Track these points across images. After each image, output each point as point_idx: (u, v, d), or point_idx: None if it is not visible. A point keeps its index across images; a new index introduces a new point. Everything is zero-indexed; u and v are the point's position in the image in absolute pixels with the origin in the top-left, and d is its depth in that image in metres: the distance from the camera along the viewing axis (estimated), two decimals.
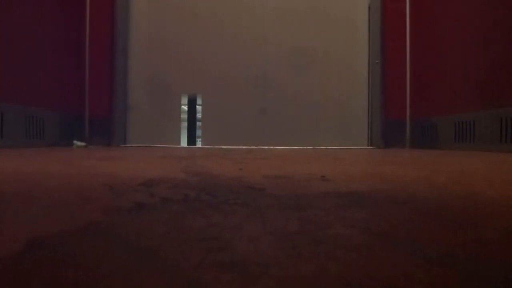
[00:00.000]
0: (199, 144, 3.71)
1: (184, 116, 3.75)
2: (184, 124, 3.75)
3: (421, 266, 0.31)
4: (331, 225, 0.44)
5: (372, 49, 3.72)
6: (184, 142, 3.71)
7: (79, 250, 0.34)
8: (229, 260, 0.31)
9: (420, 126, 3.48)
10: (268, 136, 3.70)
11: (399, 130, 3.66)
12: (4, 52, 2.49)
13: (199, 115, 3.75)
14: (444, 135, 3.09)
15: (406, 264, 0.31)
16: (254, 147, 3.57)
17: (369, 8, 3.73)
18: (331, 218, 0.47)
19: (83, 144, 3.30)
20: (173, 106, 3.71)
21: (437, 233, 0.42)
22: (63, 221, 0.45)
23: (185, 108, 3.78)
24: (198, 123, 3.75)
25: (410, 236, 0.40)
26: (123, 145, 3.59)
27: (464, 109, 2.85)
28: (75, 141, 3.29)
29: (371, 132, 3.71)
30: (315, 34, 3.74)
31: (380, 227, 0.44)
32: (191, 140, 3.73)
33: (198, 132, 3.73)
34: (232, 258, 0.32)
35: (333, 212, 0.51)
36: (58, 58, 3.16)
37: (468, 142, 2.77)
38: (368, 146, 3.73)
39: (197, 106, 3.82)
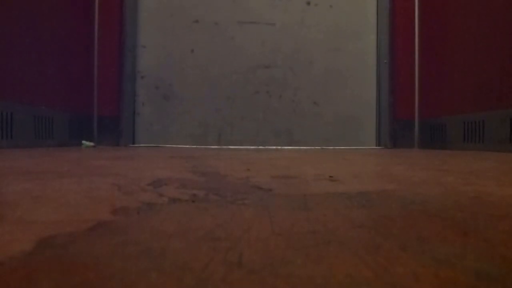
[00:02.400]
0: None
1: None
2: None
3: (430, 267, 0.31)
4: (340, 226, 0.44)
5: (380, 48, 3.71)
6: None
7: (88, 250, 0.34)
8: (237, 260, 0.32)
9: (428, 126, 3.47)
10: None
11: (408, 130, 3.64)
12: (13, 52, 2.51)
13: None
14: (453, 135, 3.07)
15: (415, 265, 0.31)
16: (261, 147, 3.58)
17: (377, 7, 3.72)
18: (339, 219, 0.47)
19: (91, 144, 3.32)
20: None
21: (446, 233, 0.41)
22: (72, 221, 0.46)
23: None
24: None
25: (419, 236, 0.40)
26: (131, 145, 3.61)
27: (473, 109, 2.83)
28: (83, 141, 3.31)
29: (379, 132, 3.70)
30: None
31: (388, 227, 0.44)
32: None
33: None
34: (240, 258, 0.32)
35: (342, 213, 0.51)
36: (66, 58, 3.18)
37: (478, 143, 2.75)
38: (376, 146, 3.72)
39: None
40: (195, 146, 3.58)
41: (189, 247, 0.35)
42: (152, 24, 3.69)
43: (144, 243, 0.36)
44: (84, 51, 3.48)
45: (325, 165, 1.36)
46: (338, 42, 3.71)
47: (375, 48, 3.71)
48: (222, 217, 0.48)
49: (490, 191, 0.72)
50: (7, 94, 2.44)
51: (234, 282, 0.27)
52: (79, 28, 3.41)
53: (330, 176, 0.93)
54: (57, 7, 3.05)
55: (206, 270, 0.29)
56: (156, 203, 0.56)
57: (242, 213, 0.50)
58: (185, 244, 0.36)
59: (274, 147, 3.61)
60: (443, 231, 0.42)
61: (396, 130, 3.63)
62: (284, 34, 3.70)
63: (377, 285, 0.27)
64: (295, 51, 3.70)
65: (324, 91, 3.70)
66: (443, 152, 2.60)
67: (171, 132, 3.68)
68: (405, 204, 0.58)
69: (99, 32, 3.58)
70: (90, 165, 1.26)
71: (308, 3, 3.70)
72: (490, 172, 1.13)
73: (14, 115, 2.48)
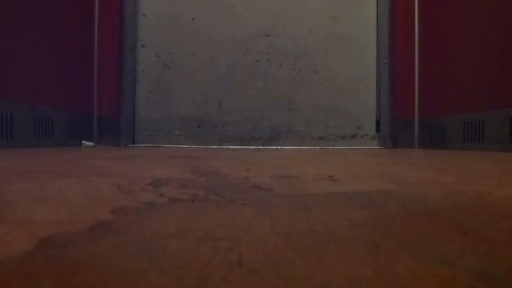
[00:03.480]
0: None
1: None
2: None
3: (430, 267, 0.31)
4: (339, 225, 0.44)
5: (381, 48, 3.70)
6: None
7: (88, 250, 0.34)
8: (237, 260, 0.32)
9: (428, 126, 3.46)
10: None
11: (408, 130, 3.64)
12: (13, 53, 2.51)
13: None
14: (453, 135, 3.07)
15: (415, 265, 0.31)
16: (261, 147, 3.58)
17: (377, 7, 3.72)
18: (339, 218, 0.47)
19: (91, 144, 3.32)
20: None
21: (446, 233, 0.41)
22: (72, 221, 0.46)
23: None
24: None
25: (419, 236, 0.40)
26: (131, 145, 3.61)
27: (473, 109, 2.83)
28: (83, 141, 3.31)
29: (379, 132, 3.70)
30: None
31: (388, 227, 0.44)
32: None
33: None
34: (240, 258, 0.32)
35: (341, 213, 0.51)
36: (66, 58, 3.18)
37: (477, 142, 2.75)
38: (376, 146, 3.72)
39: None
40: (195, 146, 3.57)
41: (189, 247, 0.35)
42: None
43: (144, 243, 0.36)
44: (84, 51, 3.48)
45: (325, 165, 1.36)
46: (338, 11, 3.71)
47: (375, 48, 3.71)
48: (222, 217, 0.48)
49: (490, 191, 0.72)
50: (7, 94, 2.44)
51: (234, 282, 0.27)
52: (79, 28, 3.40)
53: (330, 176, 0.93)
54: (57, 8, 3.05)
55: (206, 270, 0.29)
56: (156, 203, 0.56)
57: (242, 213, 0.50)
58: (185, 244, 0.36)
59: (274, 146, 3.61)
60: (443, 231, 0.42)
61: (396, 130, 3.63)
62: (284, 3, 3.71)
63: (377, 285, 0.27)
64: (295, 19, 3.71)
65: (325, 59, 3.71)
66: (443, 152, 2.60)
67: (171, 101, 3.68)
68: (405, 204, 0.58)
69: (99, 32, 3.58)
70: (90, 165, 1.26)
71: None
72: (490, 172, 1.13)
73: (14, 115, 2.48)
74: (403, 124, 3.63)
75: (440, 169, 1.22)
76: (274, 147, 3.60)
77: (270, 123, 3.68)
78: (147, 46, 3.69)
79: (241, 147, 3.55)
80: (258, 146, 3.63)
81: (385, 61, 3.64)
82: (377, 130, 3.67)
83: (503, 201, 0.61)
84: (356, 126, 3.69)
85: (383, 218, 0.48)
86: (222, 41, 3.70)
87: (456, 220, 0.48)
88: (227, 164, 1.34)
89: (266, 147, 3.58)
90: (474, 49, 2.84)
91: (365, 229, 0.42)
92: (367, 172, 1.14)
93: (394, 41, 3.63)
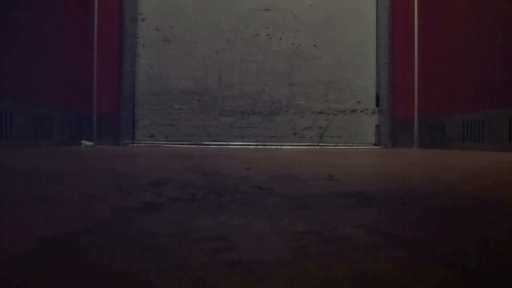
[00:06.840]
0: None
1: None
2: None
3: (429, 266, 0.31)
4: (339, 225, 0.44)
5: (380, 48, 3.70)
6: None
7: (88, 249, 0.34)
8: (237, 260, 0.32)
9: (428, 125, 3.46)
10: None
11: (407, 130, 3.64)
12: (12, 53, 2.51)
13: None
14: (453, 134, 3.07)
15: (414, 264, 0.31)
16: (261, 146, 3.58)
17: (376, 7, 3.72)
18: (338, 218, 0.47)
19: (91, 143, 3.32)
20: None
21: (445, 233, 0.42)
22: (72, 220, 0.46)
23: None
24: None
25: (418, 236, 0.40)
26: (131, 144, 3.61)
27: (472, 109, 2.83)
28: (83, 141, 3.31)
29: (379, 132, 3.70)
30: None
31: (387, 227, 0.44)
32: None
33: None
34: (240, 257, 0.32)
35: (341, 212, 0.51)
36: (66, 57, 3.17)
37: (477, 142, 2.75)
38: (376, 145, 3.72)
39: None
40: (195, 145, 3.56)
41: (188, 247, 0.35)
42: None
43: (144, 242, 0.37)
44: (84, 50, 3.47)
45: (324, 164, 1.36)
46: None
47: (375, 48, 3.70)
48: (222, 217, 0.48)
49: (490, 190, 0.72)
50: (7, 94, 2.44)
51: (234, 282, 0.27)
52: (79, 28, 3.39)
53: (330, 176, 0.93)
54: (57, 7, 3.04)
55: (206, 270, 0.29)
56: (156, 202, 0.56)
57: (242, 213, 0.50)
58: (184, 243, 0.36)
59: (274, 146, 3.60)
60: (443, 230, 0.42)
61: (396, 130, 3.62)
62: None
63: (377, 285, 0.27)
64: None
65: (325, 34, 3.70)
66: (443, 152, 2.60)
67: (171, 74, 3.68)
68: (405, 203, 0.58)
69: (98, 31, 3.56)
70: (89, 164, 1.26)
71: None
72: (490, 171, 1.13)
73: (14, 115, 2.47)
74: (403, 123, 3.62)
75: (440, 168, 1.22)
76: (273, 146, 3.59)
77: (270, 97, 3.68)
78: (147, 20, 3.69)
79: (240, 146, 3.55)
80: (258, 120, 3.62)
81: (384, 61, 3.64)
82: (377, 104, 3.66)
83: (504, 201, 0.61)
84: (356, 100, 3.67)
85: (383, 218, 0.49)
86: (222, 15, 3.69)
87: (456, 219, 0.48)
88: (227, 164, 1.34)
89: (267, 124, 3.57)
90: (474, 49, 2.84)
91: (365, 229, 0.42)
92: (367, 171, 1.14)
93: (394, 42, 3.63)
